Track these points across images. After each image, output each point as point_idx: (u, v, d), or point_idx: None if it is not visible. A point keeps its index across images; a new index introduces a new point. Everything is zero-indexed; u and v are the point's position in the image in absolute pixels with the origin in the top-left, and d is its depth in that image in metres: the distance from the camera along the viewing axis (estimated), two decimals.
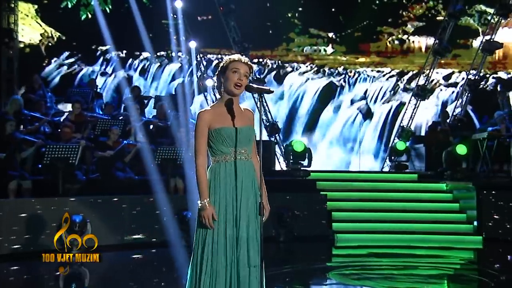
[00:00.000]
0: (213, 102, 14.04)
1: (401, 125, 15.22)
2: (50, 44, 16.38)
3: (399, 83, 18.00)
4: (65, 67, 16.48)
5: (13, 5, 13.86)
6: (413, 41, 18.35)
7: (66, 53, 16.49)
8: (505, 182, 11.12)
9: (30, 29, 16.13)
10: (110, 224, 9.00)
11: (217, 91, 3.91)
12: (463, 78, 16.62)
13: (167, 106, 11.99)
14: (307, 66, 18.22)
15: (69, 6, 15.29)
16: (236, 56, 3.82)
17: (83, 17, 15.44)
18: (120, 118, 11.47)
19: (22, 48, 15.36)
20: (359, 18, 17.75)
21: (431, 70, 15.32)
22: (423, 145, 13.96)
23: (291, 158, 11.96)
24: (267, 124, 14.09)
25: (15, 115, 9.91)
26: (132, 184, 9.69)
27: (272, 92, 3.82)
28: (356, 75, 18.15)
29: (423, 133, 15.55)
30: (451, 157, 11.94)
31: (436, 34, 15.43)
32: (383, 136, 17.11)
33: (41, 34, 16.29)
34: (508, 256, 9.04)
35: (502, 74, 17.84)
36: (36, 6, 16.21)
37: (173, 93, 14.03)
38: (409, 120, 15.15)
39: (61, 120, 11.14)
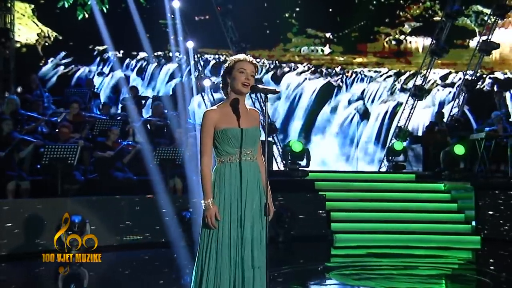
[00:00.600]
0: (210, 102, 14.15)
1: (398, 125, 15.25)
2: (46, 44, 16.33)
3: (396, 83, 18.04)
4: (62, 67, 16.42)
5: (9, 5, 13.81)
6: (410, 42, 18.39)
7: (63, 53, 16.43)
8: (503, 182, 11.15)
9: (26, 29, 16.07)
10: (109, 224, 8.97)
11: (222, 92, 3.91)
12: (460, 79, 16.66)
13: (164, 106, 11.98)
14: (304, 66, 18.23)
15: (66, 6, 15.24)
16: (242, 56, 3.82)
17: (80, 17, 15.41)
18: (118, 118, 11.45)
19: (19, 48, 15.31)
20: (357, 19, 17.79)
21: (428, 70, 15.36)
22: (421, 145, 14.00)
23: (289, 158, 11.95)
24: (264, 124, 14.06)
25: (11, 115, 9.85)
26: (131, 184, 9.66)
27: (278, 92, 3.82)
28: (354, 75, 18.18)
29: (420, 133, 15.58)
30: (449, 157, 11.98)
31: (433, 34, 15.47)
32: (380, 136, 17.14)
33: (37, 34, 16.24)
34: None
35: (499, 75, 17.88)
36: (32, 6, 16.16)
37: (171, 93, 14.02)
38: (406, 120, 15.18)
39: (58, 120, 11.10)
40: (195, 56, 14.62)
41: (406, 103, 15.45)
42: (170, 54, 16.64)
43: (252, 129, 3.78)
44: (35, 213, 8.41)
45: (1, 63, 13.31)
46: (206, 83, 14.23)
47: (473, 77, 15.44)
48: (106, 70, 16.76)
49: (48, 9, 15.83)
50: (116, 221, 9.09)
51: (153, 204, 9.27)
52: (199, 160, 3.78)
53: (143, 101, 13.29)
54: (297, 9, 17.90)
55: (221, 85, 3.91)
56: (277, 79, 17.82)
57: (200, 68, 14.98)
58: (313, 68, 18.19)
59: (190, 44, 14.21)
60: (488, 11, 16.42)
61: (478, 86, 16.74)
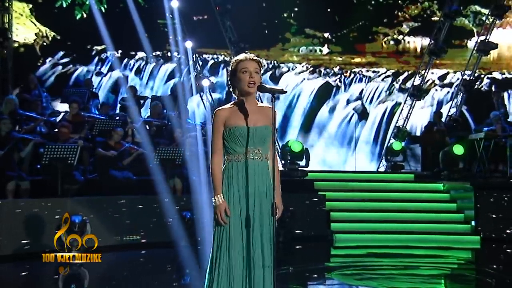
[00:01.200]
0: (209, 102, 14.11)
1: (397, 125, 15.26)
2: (44, 43, 16.27)
3: (394, 83, 18.05)
4: (60, 67, 16.36)
5: (7, 4, 13.78)
6: (408, 42, 18.40)
7: (61, 53, 16.37)
8: (502, 182, 11.18)
9: (24, 29, 16.02)
10: (109, 224, 8.95)
11: (234, 94, 3.90)
12: (458, 79, 16.69)
13: (163, 106, 11.96)
14: (303, 66, 18.22)
15: (64, 5, 15.25)
16: (242, 56, 3.83)
17: (78, 16, 15.40)
18: (117, 118, 11.41)
19: (17, 48, 15.25)
20: (355, 19, 17.78)
21: (427, 70, 15.38)
22: (419, 145, 14.02)
23: (289, 158, 11.94)
24: None
25: (10, 115, 9.81)
26: (130, 184, 9.64)
27: (285, 92, 3.81)
28: (352, 75, 18.18)
29: (418, 133, 15.60)
30: (448, 157, 12.00)
31: (432, 34, 15.49)
32: (378, 136, 17.15)
33: (35, 34, 16.17)
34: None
35: (497, 75, 17.92)
36: (30, 5, 16.09)
37: (169, 93, 13.99)
38: (405, 120, 15.19)
39: (57, 120, 11.07)
40: (194, 56, 14.60)
41: (405, 103, 15.47)
42: (169, 54, 16.63)
43: (261, 128, 3.75)
44: (35, 213, 8.38)
45: None
46: (205, 83, 14.21)
47: (471, 77, 15.47)
48: (104, 70, 16.71)
49: (46, 9, 15.78)
50: (115, 221, 9.06)
51: (153, 204, 9.25)
52: (210, 158, 3.80)
53: (142, 101, 13.26)
54: (296, 9, 17.89)
55: (230, 89, 3.92)
56: (275, 79, 17.80)
57: (199, 68, 14.96)
58: (311, 68, 18.18)
59: (189, 44, 14.19)
60: (486, 11, 16.44)
61: (476, 86, 16.79)
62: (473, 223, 10.48)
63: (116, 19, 13.58)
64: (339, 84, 18.10)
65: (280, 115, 17.31)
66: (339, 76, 18.15)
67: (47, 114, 11.18)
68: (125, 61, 16.93)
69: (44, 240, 8.22)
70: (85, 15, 15.25)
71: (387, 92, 18.01)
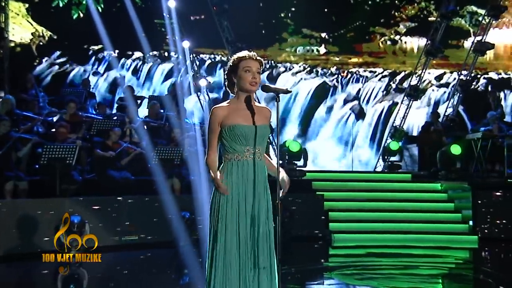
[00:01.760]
0: (206, 102, 14.09)
1: (394, 125, 15.28)
2: (41, 43, 16.22)
3: (391, 83, 18.08)
4: (57, 67, 16.31)
5: (3, 4, 13.72)
6: (405, 42, 18.44)
7: (58, 53, 16.32)
8: (499, 182, 11.20)
9: (21, 28, 15.96)
10: (108, 224, 8.93)
11: (229, 90, 3.80)
12: (454, 79, 16.73)
13: (160, 106, 11.93)
14: (300, 66, 18.23)
15: (61, 5, 15.22)
16: (245, 53, 3.73)
17: (75, 16, 15.37)
18: (115, 118, 11.39)
19: (13, 48, 15.17)
20: (352, 19, 17.82)
21: (423, 70, 15.41)
22: (416, 145, 14.04)
23: (286, 158, 11.92)
24: None
25: (7, 115, 9.77)
26: (128, 184, 9.62)
27: (290, 92, 3.76)
28: (349, 75, 18.20)
29: (415, 133, 15.63)
30: (445, 157, 12.02)
31: (428, 34, 15.51)
32: (375, 136, 17.17)
33: (32, 33, 16.12)
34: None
35: (493, 75, 17.98)
36: (27, 5, 16.04)
37: (166, 93, 13.96)
38: (402, 120, 15.21)
39: (54, 120, 11.02)
40: (191, 56, 14.58)
41: (402, 103, 15.49)
42: (166, 53, 16.61)
43: (262, 127, 3.68)
44: (33, 213, 8.35)
45: None
46: (202, 82, 14.20)
47: (468, 77, 15.50)
48: (101, 69, 16.67)
49: (43, 8, 15.74)
50: (115, 221, 9.04)
51: (152, 204, 9.24)
52: (205, 156, 3.73)
53: (139, 101, 13.23)
54: (293, 9, 17.89)
55: (226, 83, 3.80)
56: (272, 79, 17.79)
57: (196, 68, 14.94)
58: (308, 68, 18.19)
59: (186, 44, 14.15)
60: (482, 11, 16.49)
61: (472, 86, 16.83)
62: (470, 222, 10.51)
63: (113, 18, 13.55)
64: (336, 84, 18.11)
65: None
66: (336, 76, 18.17)
67: (44, 114, 11.13)
68: (122, 61, 16.89)
69: (42, 240, 8.19)
70: (81, 15, 15.22)
71: (384, 92, 18.05)
